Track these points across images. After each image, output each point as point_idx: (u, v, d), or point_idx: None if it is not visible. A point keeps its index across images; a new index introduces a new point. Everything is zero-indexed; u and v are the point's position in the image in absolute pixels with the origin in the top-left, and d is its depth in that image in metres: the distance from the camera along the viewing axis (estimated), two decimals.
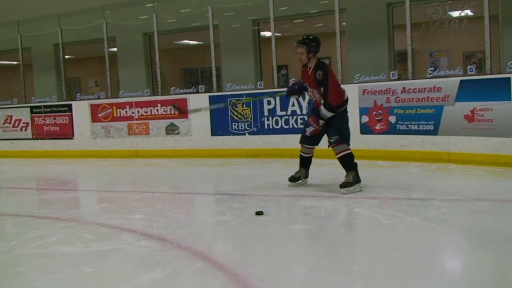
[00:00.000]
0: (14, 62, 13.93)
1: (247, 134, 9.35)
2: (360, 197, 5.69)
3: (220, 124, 9.55)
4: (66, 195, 7.09)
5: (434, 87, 7.55)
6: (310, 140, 6.22)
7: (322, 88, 5.87)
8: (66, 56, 15.90)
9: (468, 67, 8.10)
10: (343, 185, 5.86)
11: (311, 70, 5.98)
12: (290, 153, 8.40)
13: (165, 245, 4.24)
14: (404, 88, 7.85)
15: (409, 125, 7.85)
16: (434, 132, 7.61)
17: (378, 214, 5.01)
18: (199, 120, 9.72)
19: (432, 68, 8.14)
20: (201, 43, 11.35)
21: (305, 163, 6.37)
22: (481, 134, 7.15)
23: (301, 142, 6.30)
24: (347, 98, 6.05)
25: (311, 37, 5.98)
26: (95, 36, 11.65)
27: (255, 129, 9.28)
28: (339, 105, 5.92)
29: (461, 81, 7.35)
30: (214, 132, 9.64)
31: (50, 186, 8.38)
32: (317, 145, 6.28)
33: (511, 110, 6.82)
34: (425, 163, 7.58)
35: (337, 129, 5.94)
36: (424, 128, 7.70)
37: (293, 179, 6.36)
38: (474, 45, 12.14)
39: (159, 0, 11.03)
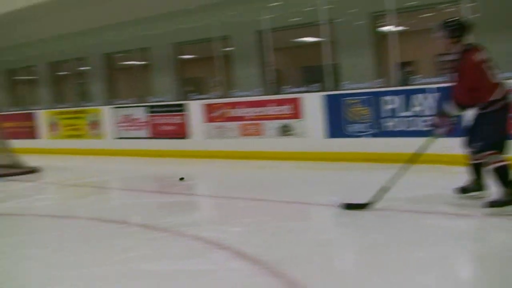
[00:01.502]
0: (134, 62, 14.11)
1: (365, 136, 8.53)
2: (497, 215, 4.71)
3: (336, 125, 8.81)
4: (168, 200, 6.77)
5: None
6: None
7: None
8: (187, 56, 15.99)
9: None
10: (492, 205, 4.82)
11: (454, 57, 5.07)
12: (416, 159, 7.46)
13: (256, 270, 3.64)
14: None
15: None
16: None
17: None
18: (314, 121, 9.05)
19: None
20: (320, 39, 10.74)
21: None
22: None
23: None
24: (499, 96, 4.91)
25: (452, 20, 5.13)
26: (212, 35, 11.39)
27: (374, 131, 8.44)
28: (469, 104, 4.97)
29: None
30: (329, 134, 8.92)
31: (156, 189, 8.16)
32: None
33: None
34: None
35: (482, 134, 4.91)
36: None
37: (464, 190, 5.32)
38: None
39: None
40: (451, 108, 5.06)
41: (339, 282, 3.40)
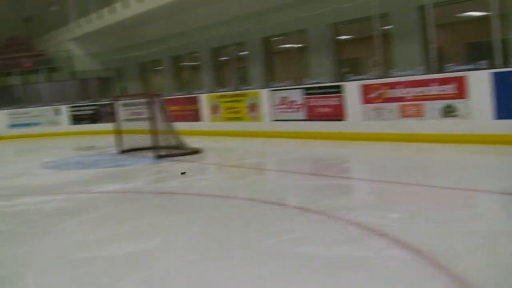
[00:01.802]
0: (291, 45, 14.16)
1: None
2: None
3: (506, 105, 8.09)
4: (324, 182, 6.66)
5: None
6: None
7: None
8: (343, 37, 15.73)
9: None
10: None
11: None
12: None
13: (416, 259, 3.41)
14: None
15: None
16: None
17: None
18: (480, 101, 8.40)
19: None
20: (488, 13, 9.91)
21: None
22: None
23: None
24: None
25: None
26: (370, 13, 11.02)
27: None
28: None
29: None
30: (498, 115, 8.22)
31: (312, 171, 8.13)
32: None
33: None
34: None
35: None
36: None
37: None
38: None
39: None
40: None
41: (508, 280, 3.08)
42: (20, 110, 19.71)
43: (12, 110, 19.70)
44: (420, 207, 4.87)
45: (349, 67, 14.91)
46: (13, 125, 19.37)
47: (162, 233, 4.51)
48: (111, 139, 11.71)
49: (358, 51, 16.70)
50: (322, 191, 6.11)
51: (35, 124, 19.30)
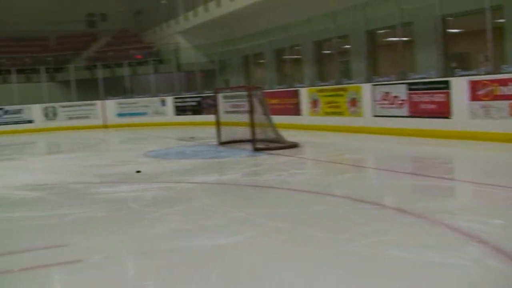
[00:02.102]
0: (394, 39, 13.71)
1: None
2: None
3: None
4: (424, 182, 6.38)
5: None
6: None
7: None
8: (452, 30, 15.02)
9: None
10: None
11: None
12: None
13: None
14: None
15: None
16: None
17: None
18: None
19: None
20: None
21: None
22: None
23: None
24: None
25: None
26: (482, 5, 10.41)
27: None
28: None
29: None
30: None
31: (412, 170, 7.82)
32: None
33: None
34: None
35: None
36: None
37: None
38: None
39: None
40: None
41: None
42: (128, 100, 20.64)
43: (120, 99, 20.67)
44: None
45: (458, 62, 14.25)
46: (121, 114, 20.31)
47: (252, 228, 4.49)
48: (212, 131, 11.93)
49: (467, 46, 15.92)
50: (421, 192, 5.86)
51: (142, 114, 20.13)
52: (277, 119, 11.09)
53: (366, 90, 12.24)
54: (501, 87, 9.17)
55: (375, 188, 6.21)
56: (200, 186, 6.69)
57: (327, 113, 13.46)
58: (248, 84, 20.72)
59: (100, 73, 22.43)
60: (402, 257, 3.53)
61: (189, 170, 7.99)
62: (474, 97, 9.64)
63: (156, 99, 20.19)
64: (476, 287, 2.99)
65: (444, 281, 3.08)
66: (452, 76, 10.62)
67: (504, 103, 9.10)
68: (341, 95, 13.01)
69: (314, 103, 13.96)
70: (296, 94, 14.74)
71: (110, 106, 20.38)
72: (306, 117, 14.23)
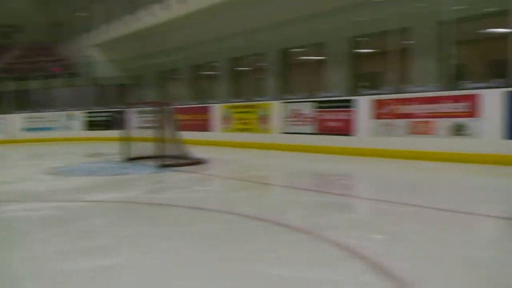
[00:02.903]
0: (309, 57, 14.00)
1: None
2: None
3: None
4: (321, 199, 6.46)
5: None
6: None
7: None
8: (362, 50, 15.49)
9: None
10: None
11: None
12: None
13: (391, 287, 3.19)
14: None
15: None
16: None
17: None
18: (492, 121, 8.11)
19: None
20: (507, 30, 9.62)
21: None
22: None
23: None
24: None
25: None
26: (389, 28, 10.79)
27: None
28: None
29: None
30: (509, 135, 7.92)
31: (313, 187, 7.91)
32: None
33: None
34: None
35: None
36: None
37: None
38: None
39: None
40: None
41: None
42: (35, 114, 19.90)
43: (27, 113, 19.89)
44: (411, 229, 4.65)
45: (366, 81, 14.68)
46: (28, 129, 19.54)
47: (137, 248, 4.34)
48: (121, 147, 11.65)
49: (376, 66, 16.45)
50: (316, 209, 5.91)
51: (49, 128, 19.44)
52: (189, 135, 11.01)
53: (276, 107, 12.37)
54: (402, 106, 9.51)
55: (272, 206, 6.21)
56: (95, 204, 6.46)
57: (238, 130, 13.49)
58: (163, 99, 20.50)
59: (9, 85, 21.54)
60: (279, 274, 3.50)
61: (88, 188, 7.71)
62: (377, 116, 9.94)
63: (63, 114, 19.59)
64: None
65: None
66: (357, 95, 10.93)
67: (404, 122, 9.43)
68: (252, 112, 13.08)
69: (226, 119, 13.96)
70: (208, 110, 14.70)
71: (17, 120, 19.57)
72: (217, 133, 14.22)
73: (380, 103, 9.92)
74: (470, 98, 8.46)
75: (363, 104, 10.25)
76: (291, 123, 11.87)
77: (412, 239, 4.27)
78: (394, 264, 3.58)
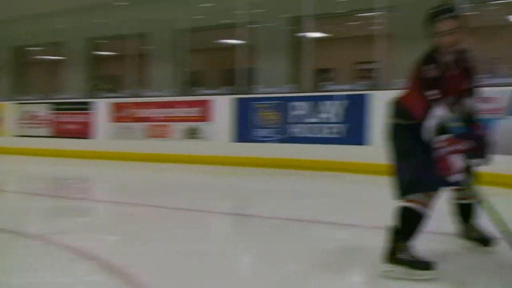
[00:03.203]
0: (46, 57, 13.48)
1: (272, 141, 8.38)
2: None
3: (244, 129, 8.62)
4: (54, 203, 6.34)
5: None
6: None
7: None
8: (104, 53, 15.43)
9: None
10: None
11: (459, 60, 3.39)
12: (318, 166, 7.47)
13: (120, 283, 3.33)
14: None
15: None
16: None
17: None
18: (222, 125, 8.84)
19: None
20: (237, 42, 10.56)
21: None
22: None
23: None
24: None
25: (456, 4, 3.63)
26: (128, 32, 10.97)
27: (281, 137, 8.31)
28: None
29: None
30: (237, 138, 8.72)
31: (49, 192, 7.69)
32: None
33: None
34: None
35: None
36: None
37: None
38: None
39: None
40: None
41: None
42: None
43: None
44: (144, 227, 4.87)
45: (105, 84, 14.66)
46: None
47: None
48: None
49: (115, 69, 16.53)
50: (51, 214, 5.79)
51: None
52: None
53: (10, 109, 11.66)
54: (140, 110, 9.76)
55: (5, 212, 5.90)
56: None
57: None
58: None
59: None
60: (9, 282, 3.40)
61: None
62: (116, 119, 10.04)
63: None
64: None
65: None
66: (96, 97, 10.90)
67: (142, 125, 9.71)
68: None
69: None
70: None
71: None
72: None
73: (118, 106, 10.04)
74: (203, 103, 9.08)
75: (102, 107, 10.27)
76: (26, 125, 11.30)
77: (145, 238, 4.47)
78: (125, 262, 3.73)
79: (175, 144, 9.34)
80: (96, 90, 12.92)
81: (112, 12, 11.83)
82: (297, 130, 8.12)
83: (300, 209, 5.38)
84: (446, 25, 3.27)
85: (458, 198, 3.81)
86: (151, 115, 9.63)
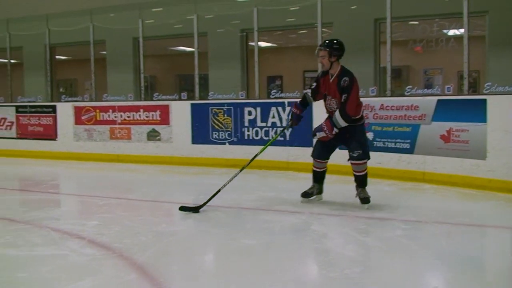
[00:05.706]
0: (3, 60, 13.89)
1: (227, 143, 9.26)
2: (322, 214, 5.60)
3: (201, 132, 9.47)
4: (32, 197, 7.05)
5: (411, 105, 7.45)
6: (323, 154, 5.92)
7: (343, 96, 5.53)
8: (62, 57, 15.94)
9: (446, 86, 8.00)
10: (367, 201, 5.80)
11: (333, 76, 5.67)
12: (269, 165, 8.41)
13: (107, 254, 4.17)
14: (382, 105, 7.76)
15: (386, 143, 7.75)
16: (410, 150, 7.50)
17: (332, 232, 4.95)
18: (181, 128, 9.65)
19: (410, 87, 8.03)
20: (193, 49, 11.27)
21: (318, 178, 6.05)
22: (456, 155, 7.03)
23: (313, 156, 5.99)
24: (363, 112, 5.90)
25: (334, 40, 5.70)
26: (86, 39, 11.59)
27: (235, 139, 9.20)
28: (356, 117, 5.66)
29: (438, 100, 7.25)
30: (194, 140, 9.56)
31: (21, 187, 8.35)
32: (329, 159, 5.99)
33: (486, 133, 6.71)
34: (400, 181, 7.44)
35: (360, 143, 5.72)
36: (401, 146, 7.60)
37: (305, 194, 6.04)
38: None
39: (146, 6, 11.05)
40: (340, 120, 5.59)
41: (171, 262, 4.05)
42: None
43: None
44: (118, 215, 5.74)
45: (65, 87, 15.21)
46: None
47: None
48: None
49: (75, 73, 17.08)
50: (29, 205, 6.51)
51: None
52: None
53: None
54: (102, 113, 10.46)
55: None
56: None
57: None
58: None
59: None
60: (15, 254, 4.19)
61: None
62: (78, 121, 10.71)
63: None
64: (75, 266, 3.87)
65: (50, 267, 3.87)
66: (59, 101, 11.50)
67: (105, 127, 10.41)
68: None
69: None
70: None
71: None
72: None
73: (81, 110, 10.67)
74: (162, 108, 9.84)
75: (65, 110, 10.85)
76: None
77: (120, 223, 5.30)
78: (107, 239, 4.57)
79: (135, 145, 10.08)
80: (58, 94, 13.46)
81: (72, 19, 12.37)
82: (249, 133, 9.01)
83: (253, 200, 6.31)
84: (318, 54, 5.68)
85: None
86: (113, 118, 10.32)
